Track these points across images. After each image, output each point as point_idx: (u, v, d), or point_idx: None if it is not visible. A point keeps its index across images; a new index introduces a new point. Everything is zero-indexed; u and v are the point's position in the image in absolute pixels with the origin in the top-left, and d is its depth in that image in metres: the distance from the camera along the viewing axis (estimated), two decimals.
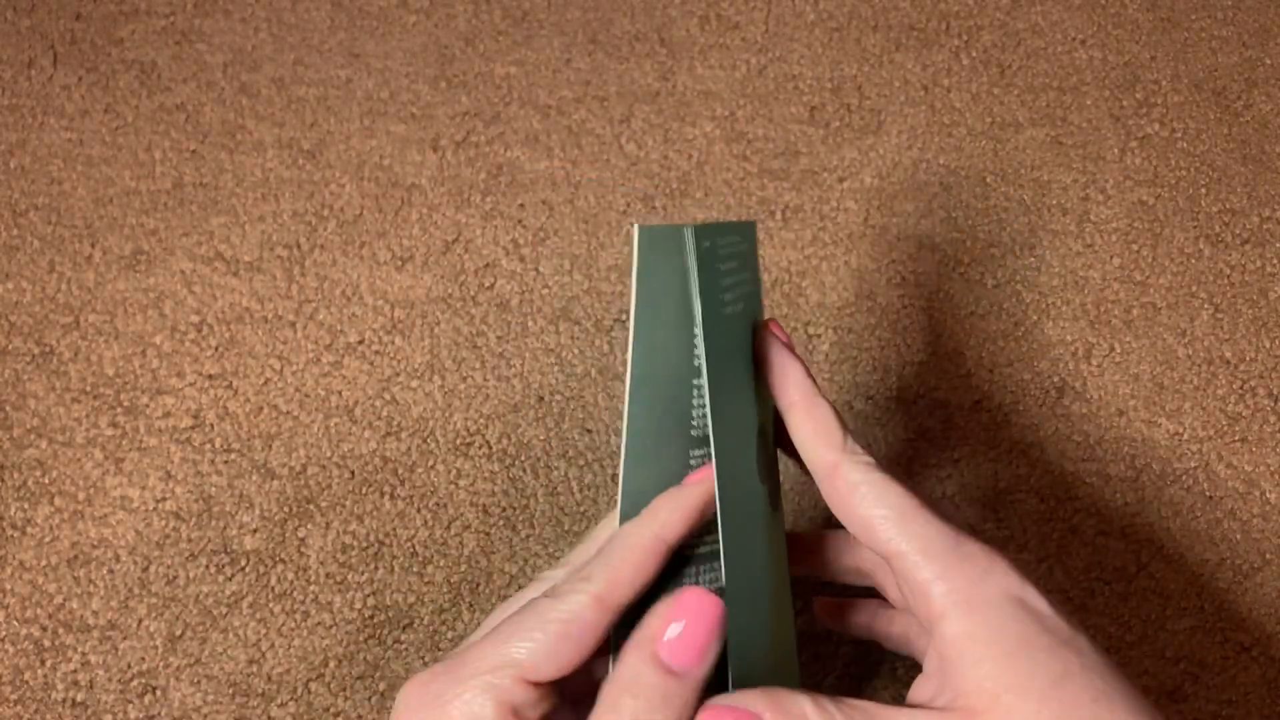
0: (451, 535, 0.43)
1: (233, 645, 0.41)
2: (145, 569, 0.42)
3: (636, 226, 0.29)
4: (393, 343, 0.46)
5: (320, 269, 0.47)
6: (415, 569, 0.42)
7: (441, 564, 0.42)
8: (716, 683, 0.27)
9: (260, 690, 0.40)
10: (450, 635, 0.41)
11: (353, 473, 0.44)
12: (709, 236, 0.29)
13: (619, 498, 0.30)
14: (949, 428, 0.45)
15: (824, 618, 0.38)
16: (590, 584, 0.27)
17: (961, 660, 0.26)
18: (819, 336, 0.47)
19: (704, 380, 0.29)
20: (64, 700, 0.40)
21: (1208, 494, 0.45)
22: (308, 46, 0.51)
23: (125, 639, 0.41)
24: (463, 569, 0.42)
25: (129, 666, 0.40)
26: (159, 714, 0.40)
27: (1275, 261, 0.50)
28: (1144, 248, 0.50)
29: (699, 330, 0.29)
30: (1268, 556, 0.44)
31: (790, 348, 0.31)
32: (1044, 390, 0.47)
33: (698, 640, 0.26)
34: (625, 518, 0.29)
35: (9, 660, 0.40)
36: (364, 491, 0.43)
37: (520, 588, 0.38)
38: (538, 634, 0.26)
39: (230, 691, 0.40)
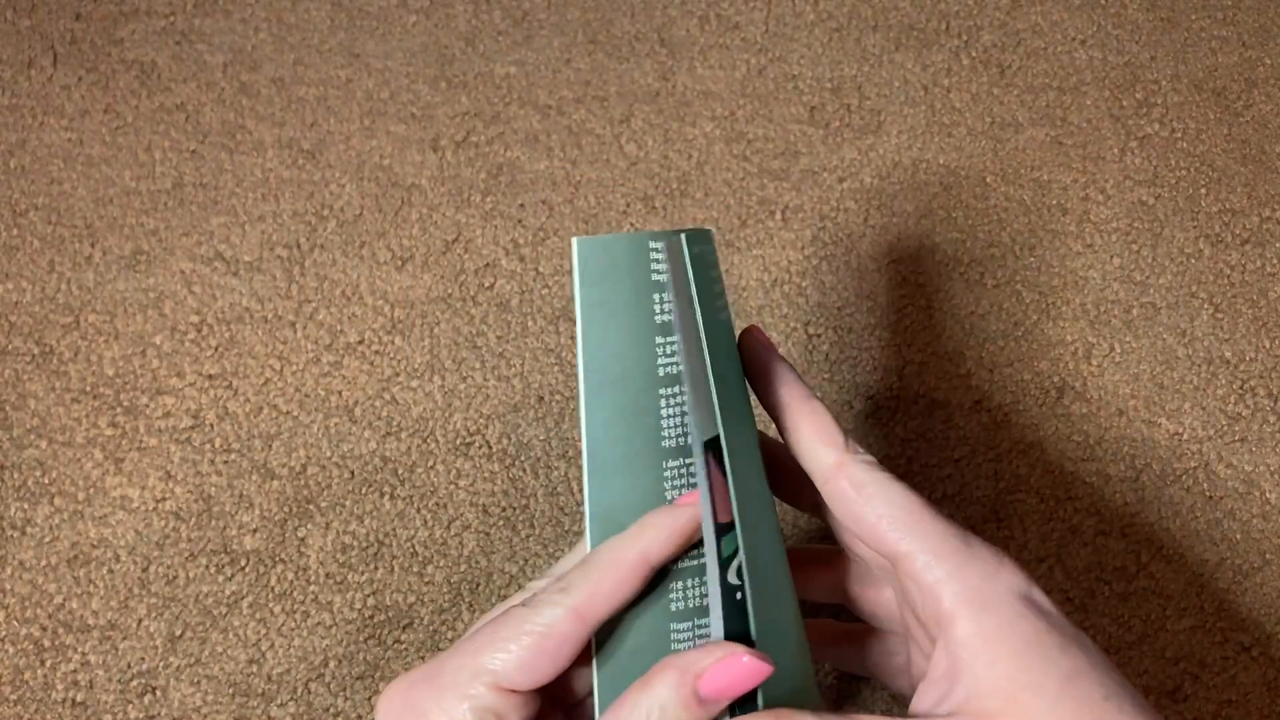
0: (451, 535, 0.43)
1: (233, 645, 0.41)
2: (145, 569, 0.42)
3: (575, 239, 0.28)
4: (393, 343, 0.46)
5: (320, 269, 0.47)
6: (415, 569, 0.42)
7: (441, 564, 0.42)
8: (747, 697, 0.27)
9: (260, 690, 0.40)
10: (450, 635, 0.41)
11: (353, 473, 0.44)
12: (697, 243, 0.28)
13: (586, 517, 0.29)
14: (949, 428, 0.45)
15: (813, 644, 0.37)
16: (568, 596, 0.27)
17: (976, 661, 0.26)
18: (819, 336, 0.47)
19: (688, 389, 0.28)
20: (64, 700, 0.40)
21: (1208, 494, 0.45)
22: (308, 46, 0.51)
23: (125, 639, 0.41)
24: (463, 569, 0.42)
25: (129, 666, 0.40)
26: (159, 714, 0.40)
27: (1275, 261, 0.50)
28: (1144, 248, 0.50)
29: (702, 337, 0.28)
30: (1268, 556, 0.44)
31: (776, 351, 0.31)
32: (1044, 390, 0.47)
33: (735, 691, 0.26)
34: (597, 535, 0.29)
35: (9, 660, 0.40)
36: (364, 491, 0.43)
37: (520, 588, 0.38)
38: (513, 645, 0.27)
39: (230, 691, 0.40)
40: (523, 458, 0.44)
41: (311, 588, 0.42)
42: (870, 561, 0.31)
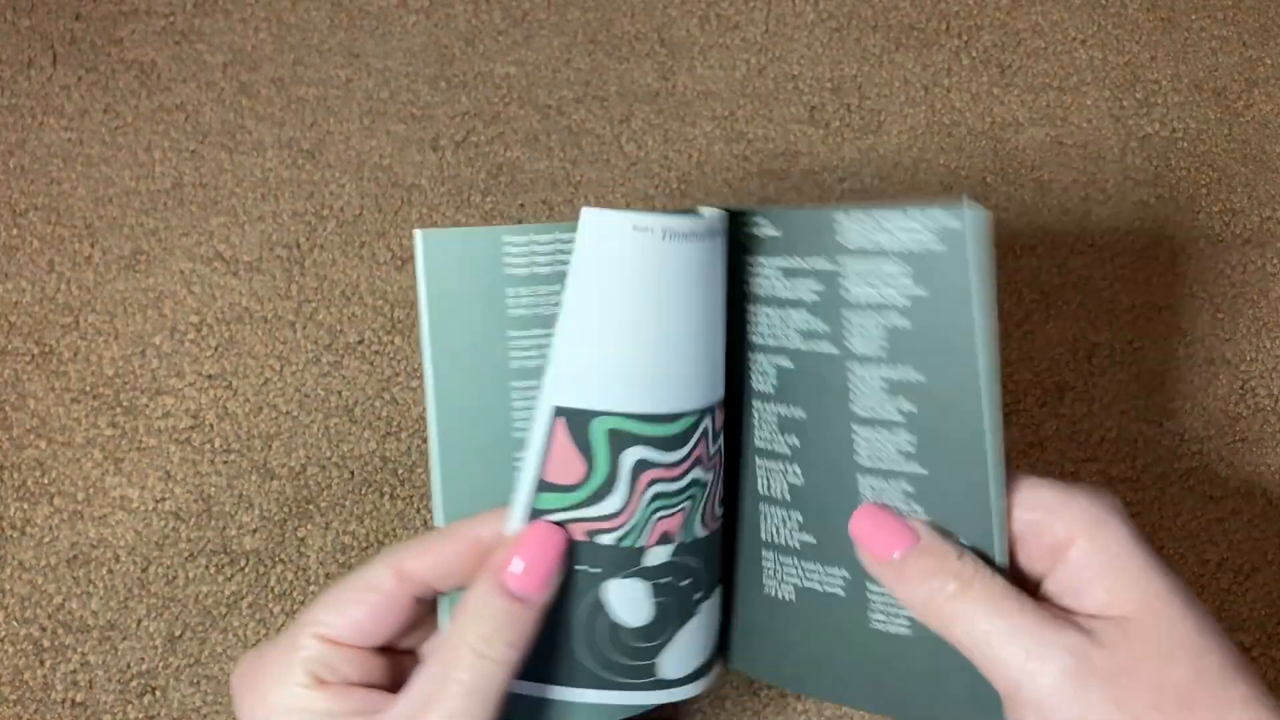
0: None
1: (232, 645, 0.41)
2: (145, 569, 0.42)
3: (418, 231, 0.28)
4: (393, 343, 0.46)
5: (320, 269, 0.47)
6: None
7: None
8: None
9: None
10: None
11: (352, 473, 0.44)
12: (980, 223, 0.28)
13: (435, 508, 0.30)
14: None
15: None
16: (392, 555, 0.29)
17: (1110, 569, 0.27)
18: None
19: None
20: (63, 700, 0.40)
21: (1208, 494, 0.45)
22: (308, 46, 0.51)
23: (125, 639, 0.41)
24: None
25: (129, 667, 0.40)
26: (159, 714, 0.40)
27: (1275, 261, 0.50)
28: (1144, 248, 0.50)
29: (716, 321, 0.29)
30: (1268, 556, 0.44)
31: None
32: (1044, 390, 0.47)
33: (540, 571, 0.28)
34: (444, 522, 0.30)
35: (9, 660, 0.40)
36: (364, 491, 0.43)
37: None
38: (336, 597, 0.29)
39: (230, 692, 0.40)
40: None
41: (311, 588, 0.42)
42: None
